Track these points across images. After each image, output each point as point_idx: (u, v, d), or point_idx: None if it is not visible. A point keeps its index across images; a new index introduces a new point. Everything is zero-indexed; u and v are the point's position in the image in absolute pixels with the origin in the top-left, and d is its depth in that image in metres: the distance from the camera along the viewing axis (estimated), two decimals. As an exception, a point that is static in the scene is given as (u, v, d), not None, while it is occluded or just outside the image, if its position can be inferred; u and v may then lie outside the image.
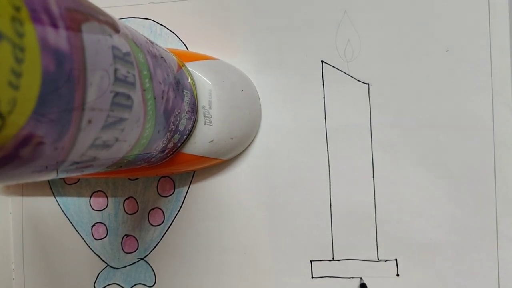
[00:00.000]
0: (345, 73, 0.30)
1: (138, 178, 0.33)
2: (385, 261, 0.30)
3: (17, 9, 0.10)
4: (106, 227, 0.33)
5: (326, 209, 0.30)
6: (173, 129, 0.23)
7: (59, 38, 0.12)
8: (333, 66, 0.30)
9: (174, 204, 0.32)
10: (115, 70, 0.15)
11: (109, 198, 0.33)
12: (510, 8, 0.29)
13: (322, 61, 0.31)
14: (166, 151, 0.25)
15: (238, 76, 0.29)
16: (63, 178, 0.33)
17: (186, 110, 0.24)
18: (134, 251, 0.33)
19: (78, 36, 0.13)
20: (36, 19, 0.11)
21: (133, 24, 0.33)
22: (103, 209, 0.33)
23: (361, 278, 0.30)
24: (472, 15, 0.29)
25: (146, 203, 0.33)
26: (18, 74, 0.10)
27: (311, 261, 0.31)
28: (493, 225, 0.29)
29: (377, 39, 0.30)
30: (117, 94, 0.15)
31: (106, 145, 0.16)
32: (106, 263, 0.33)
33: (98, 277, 0.33)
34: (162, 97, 0.20)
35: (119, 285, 0.33)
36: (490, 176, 0.29)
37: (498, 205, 0.29)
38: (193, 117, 0.25)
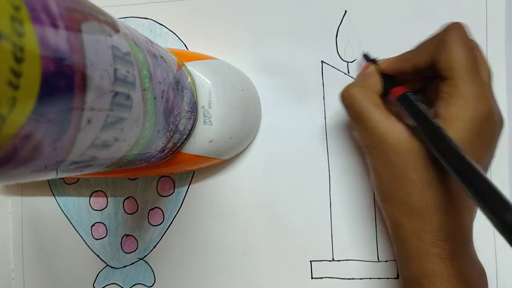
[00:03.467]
0: (345, 73, 0.30)
1: (137, 178, 0.33)
2: (386, 261, 0.30)
3: (17, 8, 0.10)
4: (106, 227, 0.33)
5: (326, 209, 0.30)
6: (173, 128, 0.23)
7: (58, 38, 0.11)
8: (333, 66, 0.30)
9: (173, 204, 0.32)
10: (115, 70, 0.15)
11: (108, 198, 0.33)
12: (506, 14, 0.29)
13: (322, 61, 0.31)
14: (165, 151, 0.25)
15: (238, 76, 0.29)
16: (63, 178, 0.33)
17: (186, 110, 0.24)
18: (134, 251, 0.33)
19: (78, 36, 0.13)
20: (35, 19, 0.11)
21: (132, 24, 0.33)
22: (103, 209, 0.33)
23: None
24: (469, 19, 0.29)
25: (146, 203, 0.33)
26: (18, 74, 0.10)
27: (310, 261, 0.31)
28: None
29: (377, 39, 0.30)
30: (116, 94, 0.15)
31: (105, 145, 0.16)
32: (106, 263, 0.33)
33: (98, 277, 0.33)
34: (162, 97, 0.20)
35: (118, 285, 0.33)
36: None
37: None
38: (192, 117, 0.25)
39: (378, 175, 0.24)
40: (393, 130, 0.23)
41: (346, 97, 0.25)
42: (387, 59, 0.27)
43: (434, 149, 0.21)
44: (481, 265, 0.23)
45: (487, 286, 0.23)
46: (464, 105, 0.22)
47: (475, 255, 0.23)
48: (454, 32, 0.22)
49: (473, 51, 0.22)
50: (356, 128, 0.25)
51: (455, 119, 0.22)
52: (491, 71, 0.24)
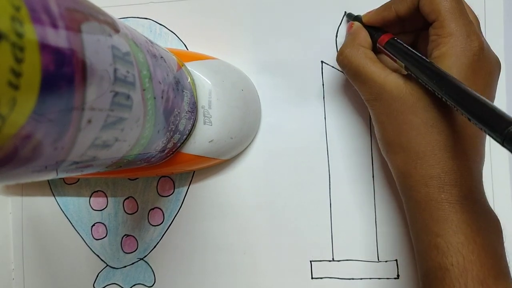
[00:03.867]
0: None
1: (138, 178, 0.33)
2: (386, 261, 0.30)
3: (17, 9, 0.10)
4: (106, 227, 0.33)
5: (326, 209, 0.30)
6: (173, 129, 0.23)
7: (59, 38, 0.11)
8: (333, 66, 0.30)
9: (173, 204, 0.32)
10: (115, 70, 0.15)
11: (108, 198, 0.33)
12: (505, 13, 0.29)
13: (322, 61, 0.31)
14: (166, 151, 0.25)
15: (238, 76, 0.29)
16: (63, 178, 0.33)
17: (186, 110, 0.24)
18: (134, 251, 0.33)
19: (78, 36, 0.13)
20: (36, 19, 0.11)
21: (132, 24, 0.33)
22: (103, 209, 0.33)
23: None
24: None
25: (146, 203, 0.33)
26: (18, 74, 0.10)
27: (311, 261, 0.31)
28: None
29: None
30: (116, 94, 0.15)
31: (106, 145, 0.16)
32: (106, 263, 0.33)
33: (98, 277, 0.33)
34: (162, 97, 0.20)
35: (118, 285, 0.33)
36: (488, 176, 0.29)
37: (495, 203, 0.29)
38: (192, 117, 0.25)
39: (381, 126, 0.24)
40: (390, 79, 0.23)
41: (342, 59, 0.26)
42: (369, 12, 0.27)
43: (429, 82, 0.21)
44: (494, 213, 0.23)
45: (501, 235, 0.22)
46: (454, 42, 0.22)
47: (487, 202, 0.23)
48: None
49: None
50: (356, 86, 0.26)
51: (447, 56, 0.22)
52: (477, 16, 0.24)
